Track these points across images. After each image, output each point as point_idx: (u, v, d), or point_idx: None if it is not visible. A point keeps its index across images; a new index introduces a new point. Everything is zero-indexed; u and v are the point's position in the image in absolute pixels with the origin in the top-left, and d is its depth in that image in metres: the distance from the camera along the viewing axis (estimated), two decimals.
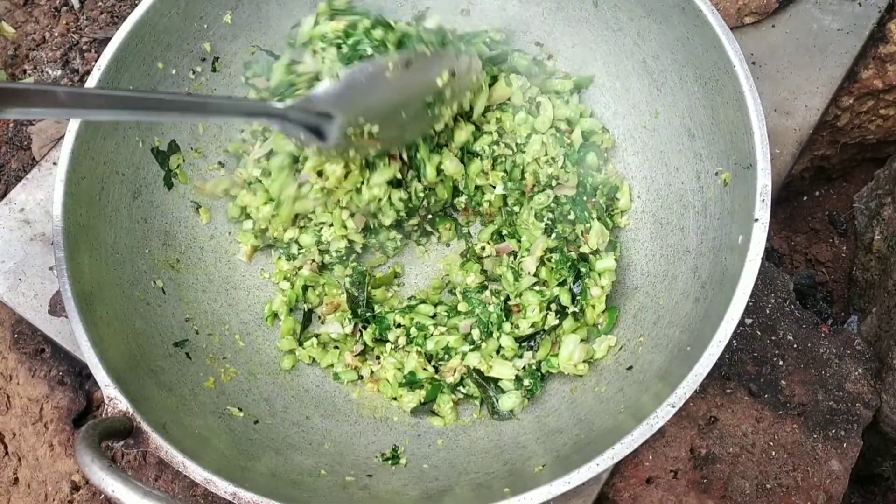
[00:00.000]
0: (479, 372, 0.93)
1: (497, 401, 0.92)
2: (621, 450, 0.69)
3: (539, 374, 0.93)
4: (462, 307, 0.98)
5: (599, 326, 0.94)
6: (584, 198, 0.97)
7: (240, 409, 0.87)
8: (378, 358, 0.99)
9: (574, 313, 0.94)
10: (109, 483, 0.60)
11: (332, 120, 0.83)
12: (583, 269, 0.94)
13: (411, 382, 0.94)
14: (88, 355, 0.76)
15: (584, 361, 0.91)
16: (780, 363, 1.02)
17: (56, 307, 0.98)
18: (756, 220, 0.76)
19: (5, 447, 1.04)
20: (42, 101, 0.62)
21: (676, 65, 0.91)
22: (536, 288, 0.96)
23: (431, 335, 0.96)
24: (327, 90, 0.83)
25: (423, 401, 0.94)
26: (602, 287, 0.93)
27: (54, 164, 1.06)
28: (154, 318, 0.89)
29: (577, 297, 0.94)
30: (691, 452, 0.96)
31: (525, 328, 0.94)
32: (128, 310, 0.86)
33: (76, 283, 0.80)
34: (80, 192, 0.86)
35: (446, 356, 0.95)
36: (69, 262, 0.81)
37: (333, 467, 0.83)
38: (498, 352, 0.95)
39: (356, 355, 0.98)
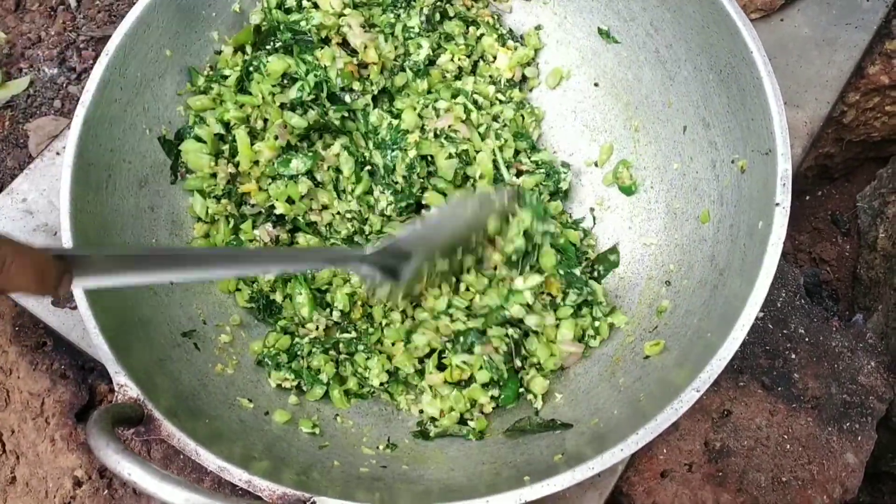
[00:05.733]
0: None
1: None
2: (646, 434, 0.68)
3: None
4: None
5: None
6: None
7: (249, 401, 0.85)
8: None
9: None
10: (126, 466, 0.58)
11: (411, 260, 0.84)
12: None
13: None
14: (98, 342, 0.74)
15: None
16: (793, 356, 1.01)
17: (59, 298, 0.96)
18: (777, 204, 0.75)
19: (3, 445, 1.01)
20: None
21: (691, 54, 0.91)
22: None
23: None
24: (413, 232, 0.84)
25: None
26: None
27: (57, 153, 1.04)
28: (162, 307, 0.87)
29: None
30: (706, 446, 0.95)
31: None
32: (136, 299, 0.85)
33: None
34: (88, 178, 0.84)
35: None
36: (76, 248, 0.79)
37: (347, 458, 0.81)
38: None
39: None
